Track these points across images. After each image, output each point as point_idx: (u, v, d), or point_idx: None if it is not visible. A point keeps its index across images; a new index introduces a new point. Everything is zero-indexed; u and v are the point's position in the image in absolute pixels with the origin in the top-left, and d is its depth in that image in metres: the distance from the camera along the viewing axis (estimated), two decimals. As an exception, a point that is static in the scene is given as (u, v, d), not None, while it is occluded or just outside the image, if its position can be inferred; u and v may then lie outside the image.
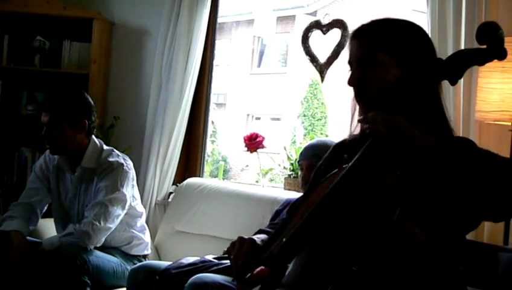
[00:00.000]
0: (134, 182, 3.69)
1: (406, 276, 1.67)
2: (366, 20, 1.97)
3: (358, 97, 1.93)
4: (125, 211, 3.56)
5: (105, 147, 3.67)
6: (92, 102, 3.64)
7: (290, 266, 1.73)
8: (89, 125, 3.57)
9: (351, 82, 1.93)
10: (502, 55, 1.72)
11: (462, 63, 1.75)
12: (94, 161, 3.58)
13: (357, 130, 1.98)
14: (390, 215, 1.59)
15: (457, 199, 1.67)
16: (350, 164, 1.73)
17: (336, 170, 1.83)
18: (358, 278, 1.54)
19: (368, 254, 1.59)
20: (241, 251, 1.98)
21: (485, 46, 1.73)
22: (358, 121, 1.84)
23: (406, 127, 1.69)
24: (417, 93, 1.78)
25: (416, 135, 1.69)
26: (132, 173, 3.63)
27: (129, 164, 3.63)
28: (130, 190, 3.60)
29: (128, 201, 3.56)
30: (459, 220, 1.76)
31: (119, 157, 3.62)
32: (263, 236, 2.10)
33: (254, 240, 2.03)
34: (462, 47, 3.46)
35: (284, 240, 1.78)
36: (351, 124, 2.02)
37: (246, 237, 2.06)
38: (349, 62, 1.95)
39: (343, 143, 2.11)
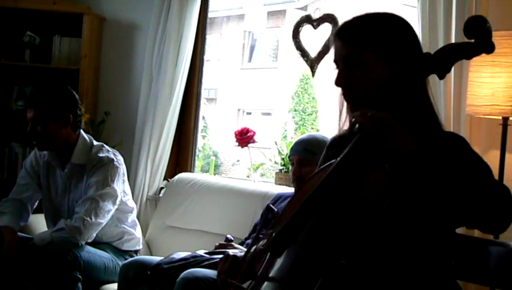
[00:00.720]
0: (125, 177, 3.69)
1: (396, 269, 1.67)
2: (348, 17, 1.96)
3: (347, 96, 1.92)
4: (116, 207, 3.56)
5: (95, 142, 3.66)
6: (77, 96, 3.63)
7: (280, 260, 1.73)
8: (73, 119, 3.56)
9: (337, 82, 1.91)
10: (489, 48, 1.72)
11: (450, 57, 1.75)
12: (84, 156, 3.57)
13: (346, 126, 1.98)
14: (379, 209, 1.59)
15: (441, 200, 1.66)
16: (338, 159, 1.73)
17: (325, 165, 1.83)
18: (348, 271, 1.55)
19: (358, 247, 1.59)
20: (223, 268, 2.11)
21: (472, 40, 1.73)
22: (350, 121, 1.84)
23: (392, 125, 1.66)
24: (405, 89, 1.78)
25: (402, 134, 1.65)
26: (122, 168, 3.63)
27: (119, 159, 3.62)
28: (121, 185, 3.60)
29: (119, 196, 3.56)
30: (447, 216, 1.76)
31: (109, 152, 3.61)
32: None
33: (236, 257, 2.12)
34: (453, 41, 3.46)
35: (273, 234, 1.78)
36: (339, 120, 2.01)
37: (231, 252, 2.20)
38: (335, 61, 1.94)
39: (333, 141, 2.11)
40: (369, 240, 1.61)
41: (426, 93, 1.90)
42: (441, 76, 1.76)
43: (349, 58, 1.88)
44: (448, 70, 1.76)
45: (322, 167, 1.87)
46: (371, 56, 1.85)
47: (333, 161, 1.77)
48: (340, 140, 2.00)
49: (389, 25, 1.91)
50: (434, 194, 1.64)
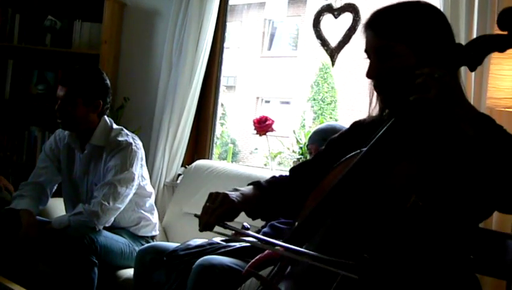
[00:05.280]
0: (144, 162, 3.69)
1: (417, 264, 1.66)
2: (379, 6, 1.93)
3: (378, 89, 1.90)
4: (134, 191, 3.57)
5: (114, 126, 3.67)
6: (110, 85, 3.64)
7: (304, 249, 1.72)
8: (102, 106, 3.58)
9: (369, 74, 1.90)
10: None
11: (483, 49, 1.72)
12: (103, 139, 3.59)
13: (375, 112, 1.97)
14: (404, 202, 1.58)
15: (478, 181, 1.65)
16: (367, 147, 1.72)
17: (353, 153, 1.82)
18: (369, 266, 1.53)
19: (381, 242, 1.58)
20: (217, 209, 1.93)
21: (506, 32, 1.70)
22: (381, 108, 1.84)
23: (457, 91, 1.71)
24: None
25: (466, 102, 1.70)
26: (141, 152, 3.63)
27: (138, 144, 3.63)
28: (139, 169, 3.60)
29: (136, 180, 3.57)
30: (474, 207, 1.74)
31: (128, 136, 3.62)
32: (238, 194, 2.03)
33: (233, 202, 1.96)
34: (475, 32, 3.44)
35: (296, 223, 1.78)
36: (369, 106, 2.00)
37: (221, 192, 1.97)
38: (366, 51, 1.92)
39: (361, 122, 2.10)
40: (393, 233, 1.59)
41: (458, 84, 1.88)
42: (472, 68, 1.74)
43: (381, 51, 1.86)
44: (480, 63, 1.73)
45: (348, 156, 1.85)
46: (403, 48, 1.83)
47: (361, 150, 1.76)
48: (367, 125, 1.98)
49: (421, 15, 1.88)
50: (482, 167, 1.64)
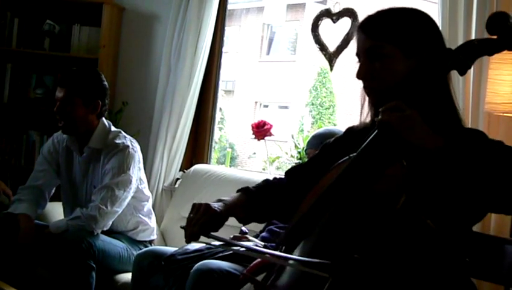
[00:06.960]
0: (141, 165, 3.69)
1: (409, 265, 1.67)
2: (371, 11, 1.96)
3: (367, 89, 1.92)
4: (131, 194, 3.57)
5: (113, 128, 3.67)
6: (107, 86, 3.64)
7: (295, 253, 1.73)
8: (101, 107, 3.58)
9: (359, 75, 1.92)
10: None
11: (472, 53, 1.73)
12: (101, 141, 3.58)
13: (368, 119, 1.98)
14: (394, 204, 1.59)
15: (465, 192, 1.65)
16: (356, 154, 1.73)
17: (345, 158, 1.83)
18: (361, 266, 1.54)
19: (372, 242, 1.59)
20: (201, 219, 1.96)
21: (495, 36, 1.71)
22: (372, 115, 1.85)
23: (419, 125, 1.67)
24: (426, 84, 1.76)
25: (428, 133, 1.67)
26: (138, 155, 3.63)
27: (135, 147, 3.62)
28: (137, 172, 3.60)
29: (134, 183, 3.56)
30: (466, 210, 1.75)
31: (126, 139, 3.62)
32: (221, 203, 2.09)
33: (216, 211, 2.02)
34: (473, 37, 3.44)
35: (290, 226, 1.78)
36: (361, 113, 2.01)
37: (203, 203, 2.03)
38: (357, 54, 1.94)
39: (355, 128, 2.11)
40: (383, 235, 1.60)
41: (448, 89, 1.89)
42: (462, 72, 1.75)
43: (371, 51, 1.88)
44: (469, 67, 1.74)
45: (340, 161, 1.86)
46: (393, 49, 1.85)
47: (351, 155, 1.77)
48: (359, 132, 1.99)
49: (412, 19, 1.90)
50: (457, 186, 1.64)
